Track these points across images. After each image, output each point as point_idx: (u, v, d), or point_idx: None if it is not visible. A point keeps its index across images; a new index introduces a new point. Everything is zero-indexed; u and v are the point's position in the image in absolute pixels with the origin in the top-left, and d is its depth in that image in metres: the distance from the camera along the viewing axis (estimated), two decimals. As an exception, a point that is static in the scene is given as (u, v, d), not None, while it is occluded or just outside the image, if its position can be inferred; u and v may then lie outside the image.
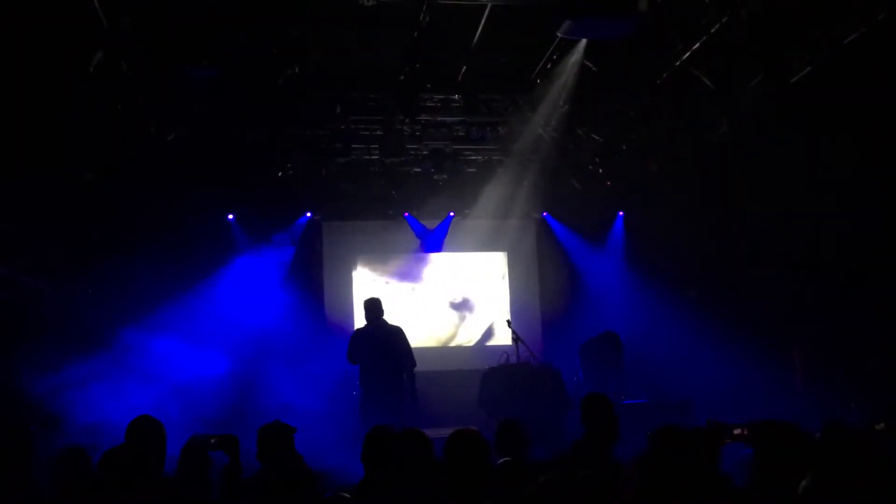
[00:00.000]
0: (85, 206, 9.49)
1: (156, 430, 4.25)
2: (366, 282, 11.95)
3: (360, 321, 11.76)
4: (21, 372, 8.10)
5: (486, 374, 9.51)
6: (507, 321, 9.98)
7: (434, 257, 12.28)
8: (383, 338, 8.43)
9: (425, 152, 10.60)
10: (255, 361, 10.27)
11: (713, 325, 9.98)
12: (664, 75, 8.59)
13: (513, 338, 9.45)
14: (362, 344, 8.46)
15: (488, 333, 12.17)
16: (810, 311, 9.44)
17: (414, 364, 8.53)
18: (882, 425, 4.16)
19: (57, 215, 9.19)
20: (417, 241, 12.19)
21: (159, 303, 9.76)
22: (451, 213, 12.02)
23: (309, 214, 11.78)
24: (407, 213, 11.98)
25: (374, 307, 8.58)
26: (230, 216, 11.33)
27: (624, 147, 10.53)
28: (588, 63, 8.27)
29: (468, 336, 12.17)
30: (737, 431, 3.77)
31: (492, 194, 11.40)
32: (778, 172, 9.67)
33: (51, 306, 8.91)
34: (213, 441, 4.32)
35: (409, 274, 12.24)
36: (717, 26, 7.50)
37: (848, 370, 8.45)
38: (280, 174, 10.74)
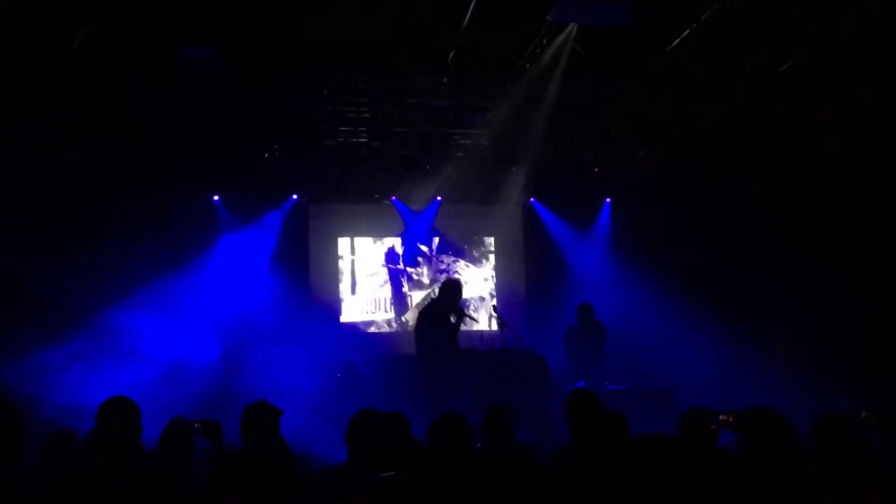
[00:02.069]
0: (69, 185, 9.40)
1: (129, 411, 4.20)
2: (351, 265, 11.93)
3: (346, 305, 11.85)
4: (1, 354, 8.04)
5: (472, 359, 9.49)
6: (493, 306, 9.97)
7: (420, 241, 12.25)
8: (458, 321, 8.24)
9: (414, 136, 10.55)
10: (239, 344, 10.22)
11: (697, 312, 10.03)
12: (654, 62, 8.57)
13: (498, 323, 9.44)
14: (442, 324, 8.20)
15: (473, 318, 12.15)
16: (795, 299, 9.50)
17: None
18: (865, 413, 4.19)
19: (40, 194, 9.10)
20: (404, 225, 12.15)
21: (143, 284, 9.68)
22: (439, 198, 11.98)
23: (295, 197, 11.71)
24: (394, 197, 11.92)
25: (460, 290, 8.40)
26: (215, 197, 11.25)
27: (612, 134, 10.52)
28: (578, 48, 8.24)
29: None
30: (722, 417, 3.78)
31: (479, 179, 11.37)
32: (766, 160, 9.71)
33: (32, 287, 8.82)
34: (196, 426, 4.28)
35: (395, 258, 12.22)
36: (707, 14, 7.49)
37: (831, 358, 8.52)
38: (266, 155, 10.67)
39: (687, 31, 7.85)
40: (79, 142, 9.36)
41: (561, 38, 8.15)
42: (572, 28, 7.98)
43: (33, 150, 8.70)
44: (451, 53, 8.61)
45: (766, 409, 3.50)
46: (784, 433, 3.32)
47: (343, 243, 12.06)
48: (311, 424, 7.43)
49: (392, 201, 11.94)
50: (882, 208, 8.18)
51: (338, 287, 11.89)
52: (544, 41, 8.32)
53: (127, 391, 4.48)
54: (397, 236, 12.19)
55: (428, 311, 8.45)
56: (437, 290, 8.49)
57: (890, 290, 8.27)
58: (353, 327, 11.78)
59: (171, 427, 4.11)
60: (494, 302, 10.76)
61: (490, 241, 12.45)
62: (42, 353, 8.23)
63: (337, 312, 11.81)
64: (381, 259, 12.13)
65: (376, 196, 11.94)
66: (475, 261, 12.41)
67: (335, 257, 12.01)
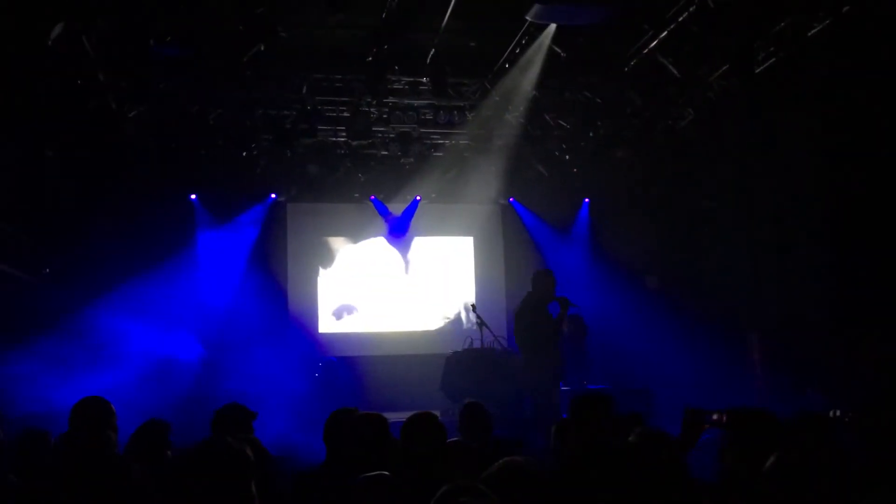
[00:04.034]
0: (43, 184, 9.29)
1: (103, 411, 4.16)
2: (330, 265, 11.90)
3: (322, 307, 11.79)
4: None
5: (450, 359, 9.52)
6: (472, 306, 9.98)
7: (399, 241, 12.24)
8: (563, 311, 7.99)
9: (392, 135, 10.53)
10: (215, 344, 10.17)
11: (674, 312, 10.09)
12: (631, 63, 8.62)
13: (477, 322, 9.47)
14: (541, 315, 7.95)
15: (453, 318, 12.17)
16: (770, 299, 9.57)
17: None
18: (836, 412, 4.22)
19: (13, 193, 8.98)
20: (383, 225, 12.13)
21: (119, 284, 9.59)
22: (418, 197, 11.97)
23: (273, 196, 11.67)
24: (373, 196, 11.90)
25: (553, 279, 8.17)
26: (193, 196, 11.17)
27: (591, 134, 10.56)
28: (556, 49, 8.27)
29: (432, 320, 12.15)
30: (714, 417, 3.72)
31: (458, 179, 11.38)
32: (741, 161, 9.78)
33: (5, 289, 8.70)
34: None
35: (374, 257, 12.19)
36: (684, 15, 7.54)
37: (805, 357, 8.58)
38: (244, 154, 10.61)
39: (665, 32, 7.90)
40: (53, 140, 9.25)
41: (540, 38, 8.16)
42: (551, 28, 8.00)
43: (5, 149, 8.57)
44: (431, 53, 8.61)
45: (758, 408, 3.48)
46: (773, 432, 3.32)
47: (322, 242, 12.01)
48: (293, 424, 7.42)
49: (371, 200, 11.92)
50: (859, 210, 8.25)
51: (316, 286, 11.85)
52: (523, 41, 8.33)
53: (103, 394, 4.44)
54: (376, 236, 12.17)
55: (526, 304, 8.13)
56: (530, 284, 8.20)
57: (867, 291, 8.35)
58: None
59: (144, 428, 4.07)
60: (474, 301, 10.74)
61: (469, 240, 12.45)
62: (13, 357, 8.11)
63: (315, 311, 11.76)
64: (360, 258, 12.11)
65: (355, 195, 11.92)
66: (454, 260, 12.41)
67: (314, 257, 11.96)
